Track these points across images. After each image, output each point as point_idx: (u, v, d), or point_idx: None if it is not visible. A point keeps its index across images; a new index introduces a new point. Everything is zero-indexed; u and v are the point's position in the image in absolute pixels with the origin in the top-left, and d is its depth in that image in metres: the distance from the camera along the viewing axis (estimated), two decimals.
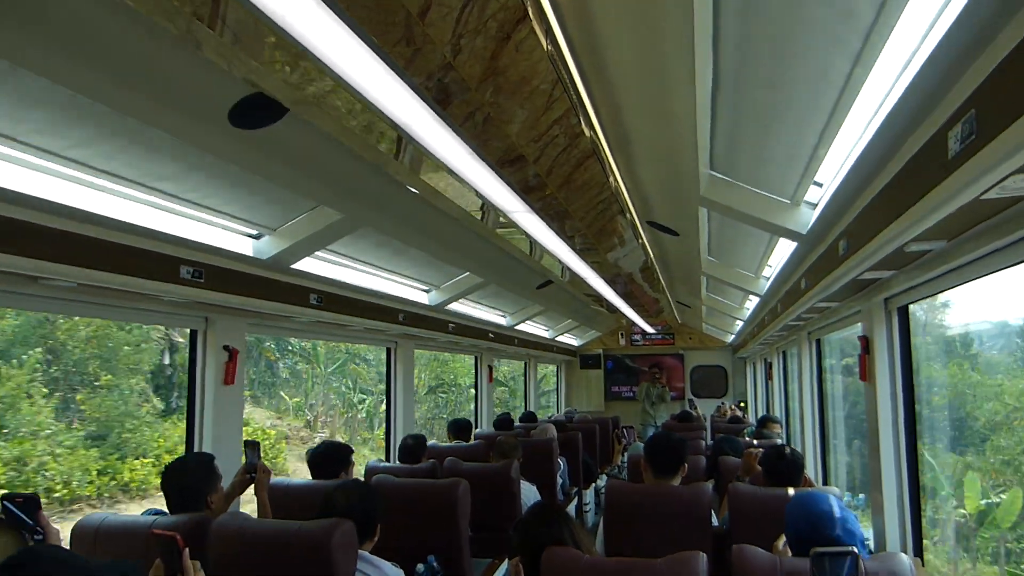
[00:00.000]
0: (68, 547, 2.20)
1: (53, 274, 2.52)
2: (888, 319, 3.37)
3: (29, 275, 2.49)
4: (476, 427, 7.58)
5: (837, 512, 2.20)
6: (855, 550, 1.72)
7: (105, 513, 2.42)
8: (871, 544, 3.38)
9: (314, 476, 3.31)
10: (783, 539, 2.53)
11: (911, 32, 1.68)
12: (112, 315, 3.19)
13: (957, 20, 1.44)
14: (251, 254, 3.44)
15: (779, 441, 4.91)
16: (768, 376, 8.59)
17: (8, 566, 1.36)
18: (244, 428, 3.64)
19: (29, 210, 2.37)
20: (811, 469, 5.50)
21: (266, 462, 3.11)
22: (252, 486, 3.05)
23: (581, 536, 2.27)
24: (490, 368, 8.45)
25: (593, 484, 7.26)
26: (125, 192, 2.73)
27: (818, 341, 5.56)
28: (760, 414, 7.73)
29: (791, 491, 2.96)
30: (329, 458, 3.35)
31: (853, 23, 1.73)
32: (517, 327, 8.44)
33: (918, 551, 3.22)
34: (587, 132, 2.44)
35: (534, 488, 4.73)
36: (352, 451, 3.50)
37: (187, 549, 1.74)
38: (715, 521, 3.26)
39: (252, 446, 3.07)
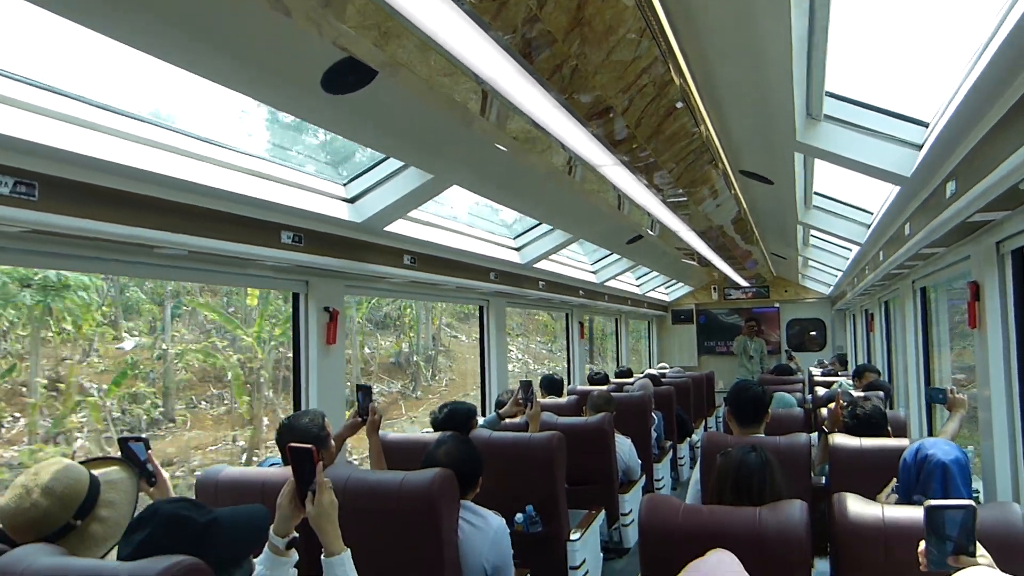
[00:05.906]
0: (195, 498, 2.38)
1: (166, 243, 2.66)
2: (1000, 263, 3.17)
3: (145, 244, 2.64)
4: (568, 383, 7.64)
5: (956, 464, 2.10)
6: (972, 504, 1.61)
7: (223, 466, 2.59)
8: (981, 496, 3.24)
9: None
10: (890, 487, 2.44)
11: None
12: (220, 280, 3.37)
13: None
14: (347, 218, 3.55)
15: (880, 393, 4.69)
16: (869, 328, 8.22)
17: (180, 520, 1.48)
18: None
19: (143, 183, 2.51)
20: (915, 425, 5.28)
21: None
22: (364, 428, 3.21)
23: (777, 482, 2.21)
24: (581, 324, 8.45)
25: (688, 439, 7.23)
26: (228, 162, 2.87)
27: (923, 290, 5.27)
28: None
29: (906, 441, 2.85)
30: (452, 420, 3.42)
31: None
32: (607, 283, 8.39)
33: None
34: (676, 80, 2.35)
35: (629, 441, 4.74)
36: (475, 413, 3.58)
37: (321, 463, 1.77)
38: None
39: (364, 390, 3.21)
